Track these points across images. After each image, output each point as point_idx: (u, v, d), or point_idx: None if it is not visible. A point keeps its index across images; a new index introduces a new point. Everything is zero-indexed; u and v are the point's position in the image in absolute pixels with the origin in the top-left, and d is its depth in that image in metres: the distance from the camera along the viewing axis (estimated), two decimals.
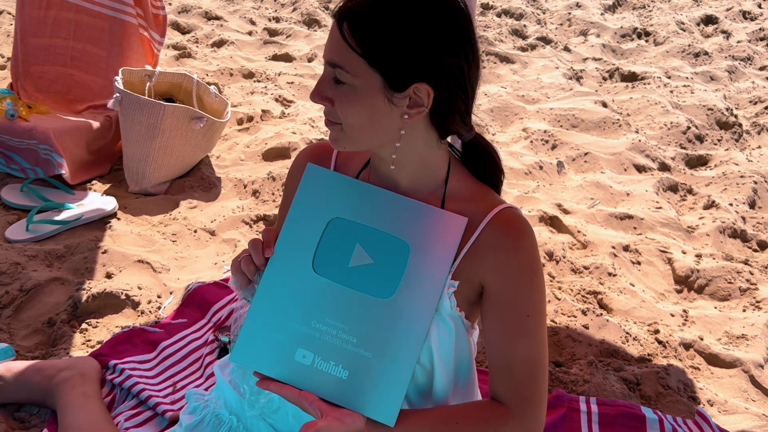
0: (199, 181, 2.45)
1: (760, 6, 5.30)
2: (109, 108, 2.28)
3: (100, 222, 2.19)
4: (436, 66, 0.95)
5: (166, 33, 2.60)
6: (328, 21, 4.32)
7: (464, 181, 1.10)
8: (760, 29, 4.65)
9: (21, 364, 1.57)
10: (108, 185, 2.40)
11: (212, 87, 2.52)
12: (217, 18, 4.11)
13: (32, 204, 2.20)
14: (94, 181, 2.39)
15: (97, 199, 2.26)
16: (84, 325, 1.77)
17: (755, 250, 2.35)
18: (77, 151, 2.30)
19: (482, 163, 1.11)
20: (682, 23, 4.75)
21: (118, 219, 2.21)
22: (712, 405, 1.70)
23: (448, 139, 1.08)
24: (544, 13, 4.83)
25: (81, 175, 2.34)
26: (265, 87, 3.26)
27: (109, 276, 1.95)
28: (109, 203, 2.23)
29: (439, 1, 0.96)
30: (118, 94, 2.23)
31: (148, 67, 2.46)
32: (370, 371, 0.99)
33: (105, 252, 2.03)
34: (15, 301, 1.83)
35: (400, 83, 0.95)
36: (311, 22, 4.25)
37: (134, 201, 2.32)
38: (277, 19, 4.26)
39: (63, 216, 2.14)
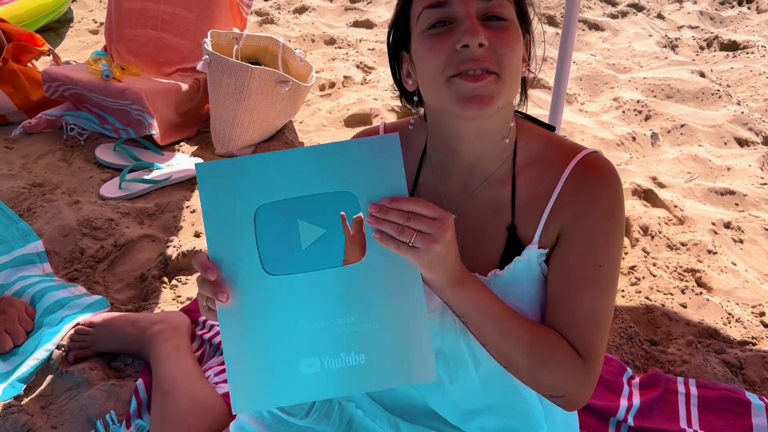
0: (282, 146, 2.45)
1: None
2: (198, 70, 2.30)
3: (188, 182, 2.23)
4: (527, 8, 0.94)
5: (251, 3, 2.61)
6: None
7: (535, 140, 0.99)
8: None
9: (116, 315, 1.62)
10: (195, 147, 2.44)
11: (298, 51, 2.51)
12: None
13: (124, 163, 2.26)
14: (182, 143, 2.44)
15: (185, 160, 2.30)
16: (174, 281, 1.81)
17: None
18: (167, 113, 2.34)
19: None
20: None
21: None
22: None
23: None
24: None
25: (170, 137, 2.38)
26: (347, 53, 3.23)
27: (197, 235, 1.99)
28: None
29: None
30: (207, 56, 2.25)
31: (236, 30, 2.47)
32: (385, 340, 0.88)
33: (193, 211, 2.07)
34: (109, 256, 1.89)
35: (524, 22, 0.92)
36: None
37: None
38: None
39: (153, 175, 2.19)
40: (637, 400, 1.53)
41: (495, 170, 0.98)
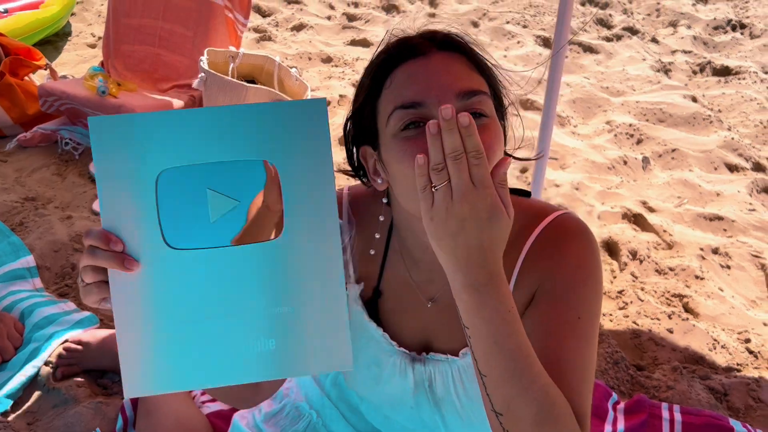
0: None
1: None
2: (194, 87, 2.32)
3: None
4: (500, 89, 0.88)
5: (250, 15, 2.63)
6: (407, 6, 4.28)
7: None
8: None
9: (105, 332, 1.62)
10: None
11: (293, 69, 2.53)
12: (297, 2, 4.15)
13: None
14: None
15: None
16: None
17: None
18: None
19: None
20: None
21: None
22: None
23: None
24: (631, 2, 4.64)
25: None
26: (343, 72, 3.26)
27: None
28: None
29: None
30: (203, 74, 2.27)
31: (232, 48, 2.49)
32: (298, 326, 0.79)
33: None
34: None
35: (502, 112, 0.87)
36: (390, 8, 4.23)
37: None
38: (356, 4, 4.26)
39: None
40: (621, 426, 1.55)
41: None
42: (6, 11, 2.92)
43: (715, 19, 4.33)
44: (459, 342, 0.95)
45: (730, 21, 4.31)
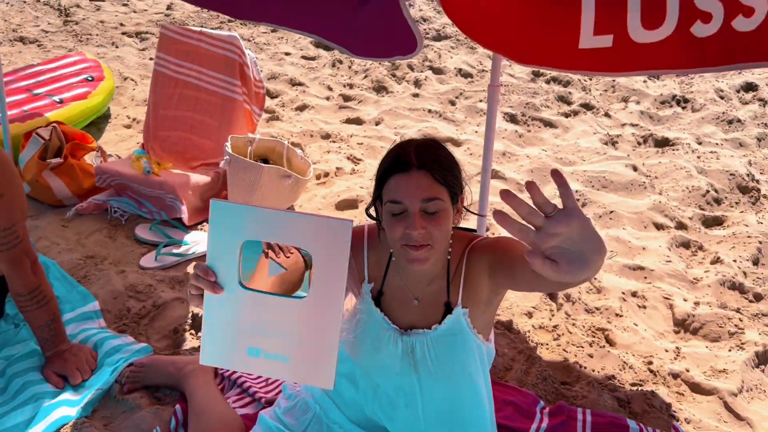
0: None
1: None
2: (220, 167, 2.92)
3: None
4: (460, 183, 1.46)
5: (264, 106, 3.25)
6: (395, 88, 4.93)
7: (457, 243, 1.55)
8: None
9: (159, 357, 2.16)
10: None
11: (299, 150, 3.14)
12: (300, 84, 4.80)
13: (158, 240, 2.84)
14: (204, 223, 3.03)
15: (206, 238, 2.88)
16: (200, 334, 2.36)
17: (750, 301, 2.73)
18: (193, 200, 2.94)
19: None
20: (722, 90, 5.13)
21: None
22: (688, 423, 2.11)
23: None
24: (590, 80, 5.30)
25: (195, 218, 2.97)
26: (339, 147, 3.87)
27: None
28: None
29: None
30: (227, 157, 2.87)
31: (250, 135, 3.10)
32: (304, 354, 1.31)
33: None
34: (150, 314, 2.45)
35: (458, 194, 1.44)
36: (380, 89, 4.88)
37: None
38: (351, 86, 4.91)
39: (182, 249, 2.77)
40: (545, 424, 2.06)
41: (437, 272, 1.54)
42: (61, 101, 3.54)
43: (662, 94, 4.98)
44: (432, 322, 1.54)
45: (675, 96, 4.96)
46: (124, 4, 6.42)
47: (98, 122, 3.88)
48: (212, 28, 5.33)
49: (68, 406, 1.98)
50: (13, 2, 5.99)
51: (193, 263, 1.35)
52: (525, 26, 0.94)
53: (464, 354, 1.55)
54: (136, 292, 2.53)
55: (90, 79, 3.82)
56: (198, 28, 3.18)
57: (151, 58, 5.07)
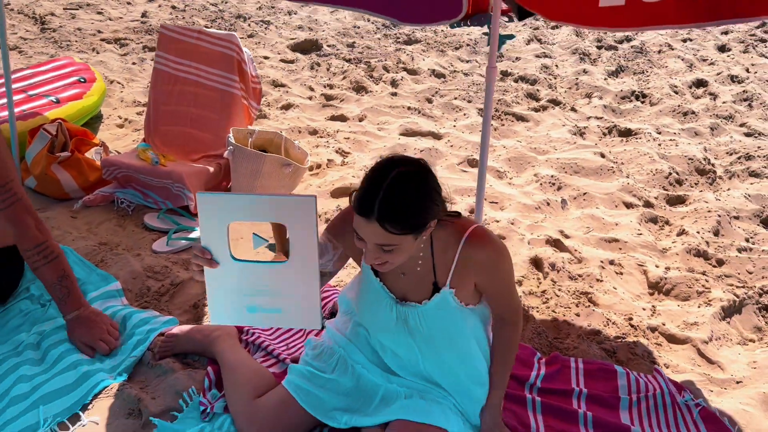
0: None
1: (747, 70, 6.05)
2: (225, 157, 3.08)
3: None
4: (434, 212, 1.55)
5: (260, 101, 3.43)
6: (374, 87, 5.16)
7: (443, 232, 1.69)
8: (744, 91, 5.39)
9: (187, 327, 2.31)
10: None
11: (296, 141, 3.33)
12: (283, 85, 4.99)
13: (167, 227, 2.99)
14: None
15: None
16: None
17: (714, 266, 3.03)
18: (198, 188, 3.09)
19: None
20: (676, 86, 5.51)
21: None
22: (667, 367, 2.37)
23: None
24: (555, 78, 5.63)
25: None
26: (327, 141, 4.07)
27: None
28: None
29: (424, 184, 1.52)
30: (231, 147, 3.04)
31: (250, 127, 3.28)
32: (293, 305, 1.65)
33: None
34: (169, 291, 2.60)
35: (421, 230, 1.55)
36: (359, 89, 5.10)
37: None
38: (331, 86, 5.12)
39: (192, 235, 2.92)
40: (543, 371, 2.29)
41: (420, 253, 1.72)
42: (58, 101, 3.65)
43: (621, 90, 5.33)
44: (422, 297, 1.76)
45: (634, 92, 5.32)
46: (99, 12, 6.50)
47: (91, 123, 3.99)
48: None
49: (106, 372, 2.12)
50: None
51: (193, 245, 1.59)
52: None
53: (453, 326, 1.80)
54: (154, 272, 2.68)
55: (82, 80, 3.93)
56: (197, 28, 3.35)
57: (134, 63, 5.18)
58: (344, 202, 3.32)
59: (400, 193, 1.48)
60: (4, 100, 3.62)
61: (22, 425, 1.91)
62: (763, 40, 6.98)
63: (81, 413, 1.97)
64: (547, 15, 1.20)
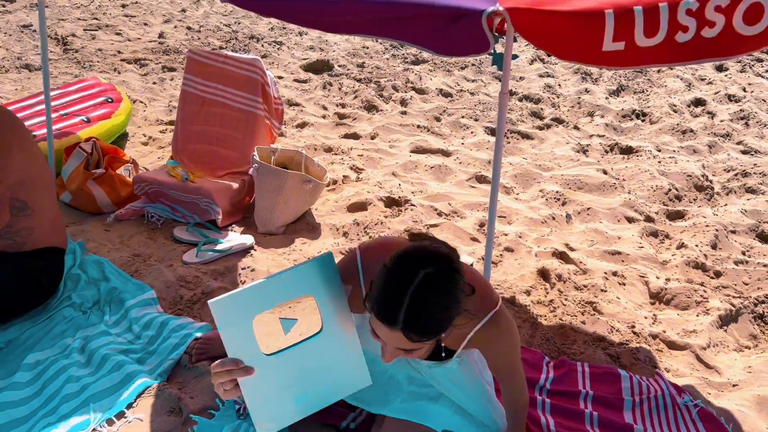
0: (305, 225, 3.41)
1: (744, 89, 6.25)
2: (249, 174, 3.27)
3: (243, 252, 3.15)
4: (459, 313, 1.43)
5: (282, 121, 3.63)
6: (384, 107, 5.36)
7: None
8: (741, 110, 5.58)
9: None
10: (242, 228, 3.38)
11: (316, 159, 3.52)
12: (297, 104, 5.20)
13: (195, 240, 3.17)
14: (233, 225, 3.37)
15: (238, 237, 3.22)
16: None
17: (711, 277, 3.21)
18: (225, 204, 3.28)
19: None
20: (675, 105, 5.71)
21: (255, 250, 3.17)
22: (668, 371, 2.54)
23: None
24: (558, 97, 5.84)
25: (226, 220, 3.32)
26: (342, 159, 4.27)
27: None
28: (249, 239, 3.19)
29: (451, 290, 1.36)
30: (255, 164, 3.23)
31: (272, 146, 3.47)
32: (341, 371, 1.52)
33: (252, 270, 2.98)
34: (201, 300, 2.77)
35: (446, 332, 1.45)
36: (370, 108, 5.31)
37: (263, 239, 3.28)
38: (343, 105, 5.33)
39: (220, 247, 3.11)
40: (551, 374, 2.46)
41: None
42: (89, 120, 3.85)
43: (623, 109, 5.53)
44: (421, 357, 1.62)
45: (634, 111, 5.52)
46: (117, 33, 6.74)
47: (118, 141, 4.19)
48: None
49: (146, 374, 2.30)
50: (10, 32, 6.25)
51: (213, 363, 1.49)
52: (568, 35, 1.35)
53: (454, 383, 1.85)
54: (186, 282, 2.86)
55: (110, 100, 4.14)
56: (223, 52, 3.56)
57: (154, 83, 5.40)
58: (360, 216, 3.51)
59: (427, 303, 1.34)
60: (39, 119, 3.82)
61: (74, 421, 2.08)
62: (759, 60, 7.19)
63: (126, 411, 2.14)
64: (558, 55, 1.38)
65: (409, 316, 1.33)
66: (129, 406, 2.16)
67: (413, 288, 1.32)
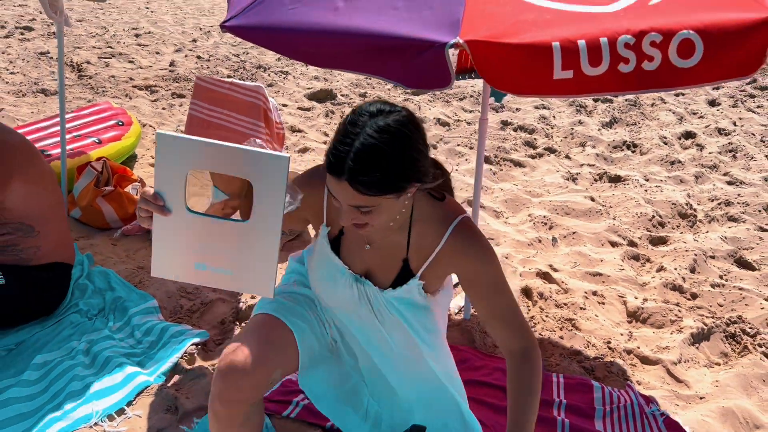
0: (302, 245, 3.59)
1: (735, 123, 6.45)
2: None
3: None
4: (416, 171, 1.35)
5: (284, 145, 3.84)
6: None
7: (427, 205, 1.50)
8: (729, 143, 5.77)
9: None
10: None
11: None
12: (300, 131, 5.42)
13: None
14: None
15: None
16: (243, 324, 2.86)
17: (688, 299, 3.35)
18: None
19: (439, 186, 1.50)
20: (665, 137, 5.91)
21: None
22: (639, 384, 2.68)
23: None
24: (552, 128, 6.04)
25: None
26: None
27: (253, 297, 3.06)
28: None
29: (403, 138, 1.29)
30: None
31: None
32: (246, 268, 1.41)
33: None
34: (200, 309, 2.95)
35: (402, 191, 1.35)
36: None
37: None
38: None
39: None
40: None
41: (396, 224, 1.50)
42: (100, 141, 4.07)
43: (614, 140, 5.73)
44: (387, 275, 1.58)
45: (625, 142, 5.71)
46: (130, 61, 7.02)
47: (127, 161, 4.40)
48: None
49: (145, 375, 2.46)
50: (28, 59, 6.55)
51: (144, 190, 1.46)
52: (521, 65, 1.53)
53: (414, 317, 1.63)
54: (186, 293, 3.03)
55: (120, 123, 4.37)
56: (228, 79, 3.78)
57: (163, 108, 5.64)
58: None
59: (374, 151, 1.28)
60: (54, 140, 4.04)
61: (78, 416, 2.24)
62: (752, 96, 7.41)
63: (126, 408, 2.30)
64: (513, 91, 1.54)
65: (353, 166, 1.27)
66: (129, 404, 2.32)
67: (361, 136, 1.28)
